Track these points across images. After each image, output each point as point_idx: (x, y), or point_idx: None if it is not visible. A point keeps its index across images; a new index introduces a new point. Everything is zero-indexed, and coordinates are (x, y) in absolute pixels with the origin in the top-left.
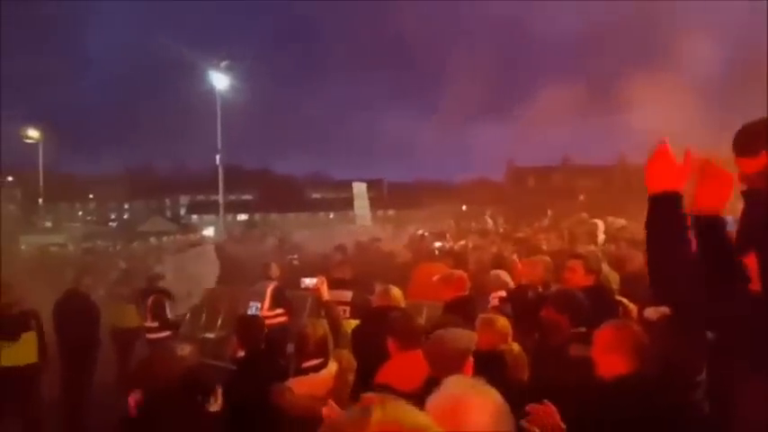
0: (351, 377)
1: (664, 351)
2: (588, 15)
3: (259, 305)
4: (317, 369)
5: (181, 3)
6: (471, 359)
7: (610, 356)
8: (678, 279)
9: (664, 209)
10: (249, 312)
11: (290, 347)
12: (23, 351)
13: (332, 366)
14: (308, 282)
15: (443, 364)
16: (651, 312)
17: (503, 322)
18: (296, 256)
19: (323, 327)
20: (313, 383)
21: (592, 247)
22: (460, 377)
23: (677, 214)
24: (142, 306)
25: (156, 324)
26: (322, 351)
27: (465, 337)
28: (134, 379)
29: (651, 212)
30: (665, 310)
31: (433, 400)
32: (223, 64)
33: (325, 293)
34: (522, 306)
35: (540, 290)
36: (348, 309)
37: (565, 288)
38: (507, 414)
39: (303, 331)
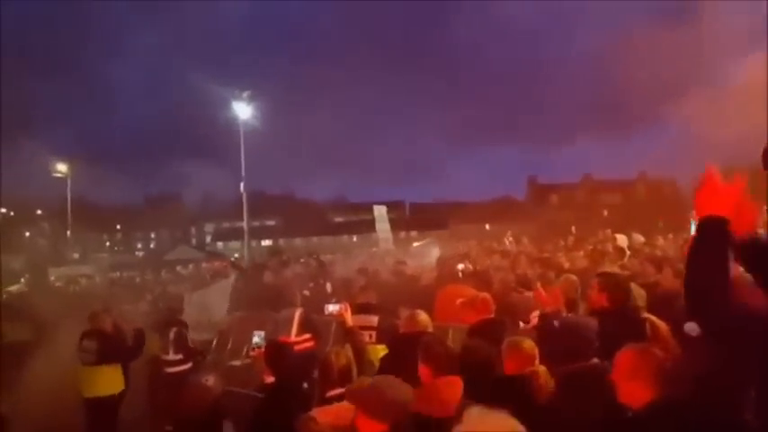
0: None
1: (704, 368)
2: (608, 30)
3: (263, 334)
4: (340, 398)
5: (202, 35)
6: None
7: (631, 383)
8: (716, 301)
9: (709, 234)
10: (253, 341)
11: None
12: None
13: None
14: (332, 308)
15: (380, 414)
16: (692, 328)
17: (529, 345)
18: (327, 282)
19: (346, 355)
20: (338, 413)
21: (617, 265)
22: (482, 409)
23: (721, 239)
24: (164, 338)
25: (179, 357)
26: (346, 379)
27: (404, 390)
28: (167, 414)
29: (698, 236)
30: None
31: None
32: (245, 94)
33: (349, 320)
34: (548, 335)
35: (565, 314)
36: (374, 334)
37: (574, 318)
38: None
39: (327, 359)
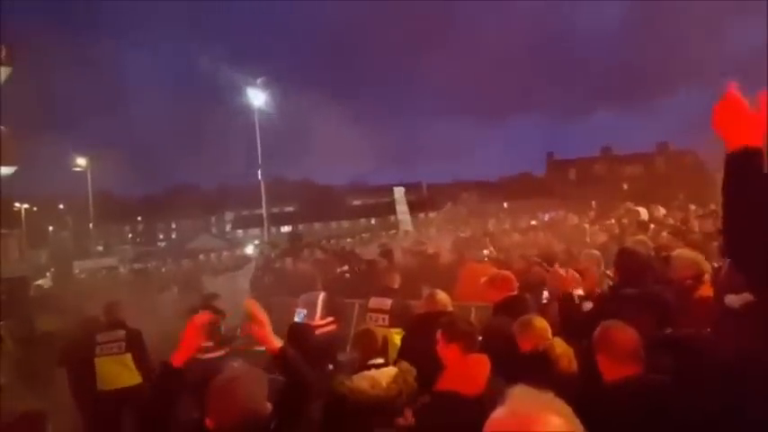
0: (411, 379)
1: (744, 340)
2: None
3: (305, 312)
4: (378, 368)
5: (218, 24)
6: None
7: (610, 358)
8: (757, 242)
9: (741, 166)
10: (297, 319)
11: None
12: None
13: (391, 369)
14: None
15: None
16: (733, 300)
17: (540, 321)
18: (346, 268)
19: (382, 331)
20: (374, 377)
21: (641, 237)
22: (527, 390)
23: (757, 172)
24: None
25: (210, 344)
26: (384, 351)
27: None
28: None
29: (728, 171)
30: (747, 296)
31: (499, 416)
32: (260, 80)
33: None
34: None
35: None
36: (387, 317)
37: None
38: (579, 428)
39: (370, 332)
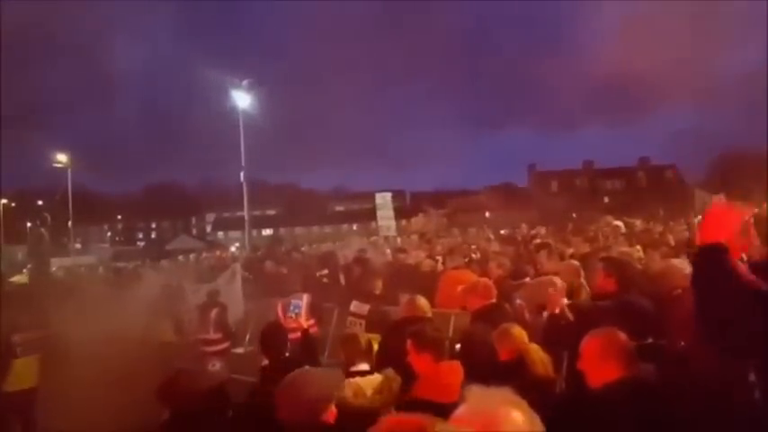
0: (396, 387)
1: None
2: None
3: (301, 304)
4: (364, 375)
5: (200, 24)
6: (333, 408)
7: (601, 364)
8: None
9: (710, 259)
10: (289, 310)
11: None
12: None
13: (377, 377)
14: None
15: (297, 412)
16: None
17: (517, 329)
18: (326, 272)
19: (364, 335)
20: (359, 386)
21: (624, 249)
22: (483, 388)
23: (723, 263)
24: (205, 318)
25: (219, 335)
26: (368, 356)
27: (324, 383)
28: (166, 395)
29: (698, 263)
30: None
31: (461, 413)
32: (245, 82)
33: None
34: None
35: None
36: (364, 322)
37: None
38: (537, 425)
39: (353, 336)
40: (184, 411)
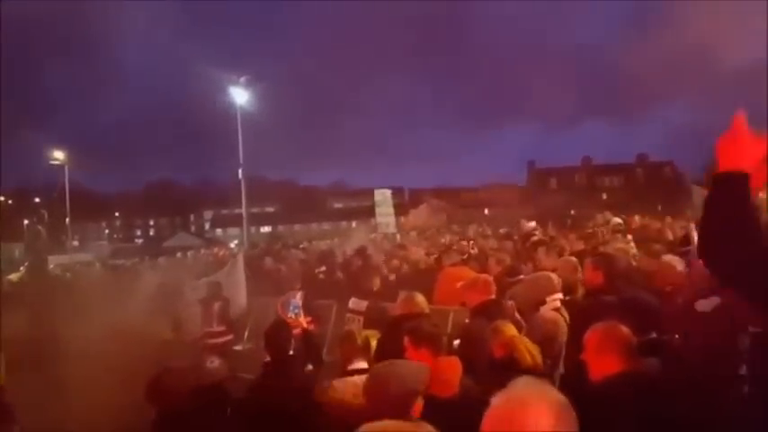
0: None
1: (710, 341)
2: (610, 16)
3: (299, 303)
4: (362, 373)
5: (199, 22)
6: (420, 401)
7: (602, 357)
8: (727, 252)
9: (728, 189)
10: (290, 310)
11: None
12: None
13: None
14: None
15: (386, 406)
16: (704, 305)
17: (509, 327)
18: (323, 269)
19: (361, 333)
20: (357, 386)
21: (620, 245)
22: (527, 379)
23: (742, 195)
24: (208, 311)
25: (222, 328)
26: (366, 353)
27: (412, 376)
28: (151, 394)
29: (714, 192)
30: (716, 300)
31: (497, 401)
32: (243, 79)
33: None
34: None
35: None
36: (362, 319)
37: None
38: (570, 417)
39: (351, 334)
40: (171, 410)
